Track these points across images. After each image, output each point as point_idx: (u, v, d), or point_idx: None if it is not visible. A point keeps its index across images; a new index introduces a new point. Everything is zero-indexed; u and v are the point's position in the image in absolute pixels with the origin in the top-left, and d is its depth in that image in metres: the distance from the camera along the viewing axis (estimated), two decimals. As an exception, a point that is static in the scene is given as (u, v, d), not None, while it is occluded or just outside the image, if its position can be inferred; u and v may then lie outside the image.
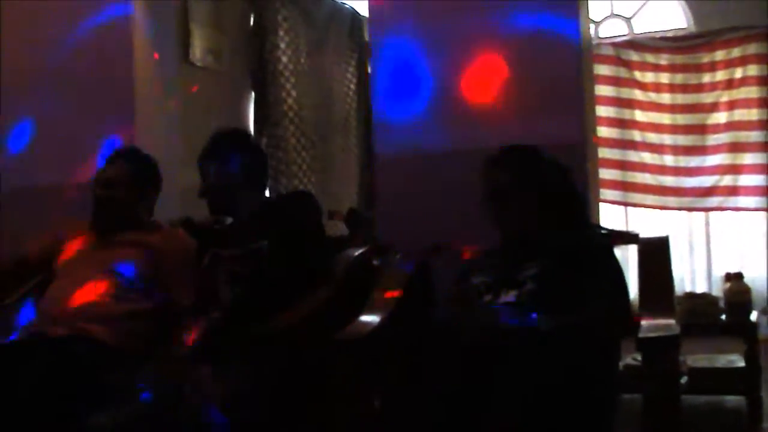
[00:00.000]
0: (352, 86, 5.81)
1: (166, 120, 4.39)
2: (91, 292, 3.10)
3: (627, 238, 3.12)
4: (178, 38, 4.60)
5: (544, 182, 2.72)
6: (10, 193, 4.36)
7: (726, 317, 4.14)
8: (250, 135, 3.39)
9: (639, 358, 2.52)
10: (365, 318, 2.72)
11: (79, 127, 4.26)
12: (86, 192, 3.34)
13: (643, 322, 2.47)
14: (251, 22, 5.19)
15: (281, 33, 5.19)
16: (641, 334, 2.39)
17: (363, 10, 5.81)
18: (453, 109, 3.72)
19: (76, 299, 3.08)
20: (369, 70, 5.66)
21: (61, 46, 4.37)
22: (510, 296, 2.59)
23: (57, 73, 4.36)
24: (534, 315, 2.45)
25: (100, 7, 4.28)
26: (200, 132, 4.59)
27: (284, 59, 5.19)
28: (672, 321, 2.46)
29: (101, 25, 4.27)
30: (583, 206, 2.85)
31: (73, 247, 3.32)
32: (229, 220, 3.10)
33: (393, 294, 2.87)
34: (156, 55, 4.35)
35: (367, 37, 5.71)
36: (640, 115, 6.56)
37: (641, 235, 3.00)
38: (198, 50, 4.70)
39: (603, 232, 2.86)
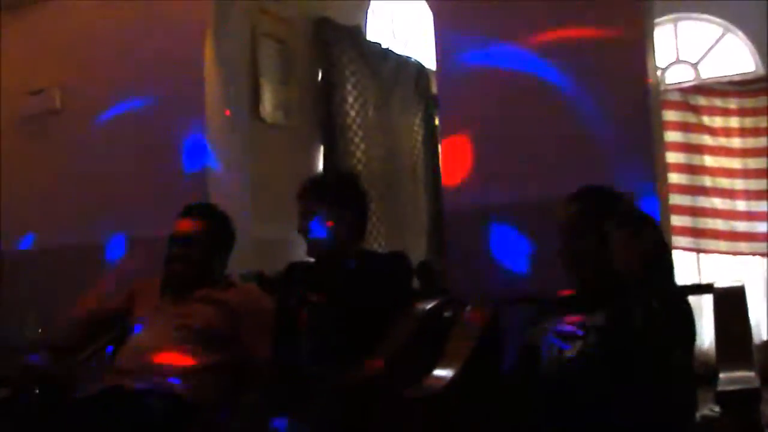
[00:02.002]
0: (419, 138, 5.86)
1: (237, 175, 4.47)
2: (166, 347, 3.15)
3: (701, 287, 3.07)
4: (248, 95, 4.69)
5: (618, 221, 2.67)
6: (87, 248, 4.49)
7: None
8: (359, 180, 3.37)
9: (717, 409, 2.46)
10: (438, 372, 2.71)
11: (153, 183, 4.36)
12: (160, 247, 3.40)
13: (722, 375, 2.41)
14: (319, 78, 5.27)
15: (349, 87, 5.26)
16: (720, 387, 2.33)
17: (428, 63, 5.88)
18: (521, 160, 3.72)
19: (152, 354, 3.13)
20: (436, 122, 5.71)
21: (133, 104, 4.50)
22: (578, 344, 2.58)
23: (132, 130, 4.49)
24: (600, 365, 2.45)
25: (171, 65, 4.40)
26: (270, 186, 4.71)
27: (352, 113, 5.26)
28: (752, 373, 2.39)
29: (174, 83, 4.39)
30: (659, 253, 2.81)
31: (147, 302, 3.38)
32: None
33: (465, 347, 2.86)
34: (227, 112, 4.44)
35: (433, 89, 5.76)
36: (710, 161, 6.46)
37: (716, 285, 2.95)
38: (268, 106, 4.79)
39: (676, 282, 2.81)
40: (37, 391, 3.22)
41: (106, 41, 4.67)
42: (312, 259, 3.29)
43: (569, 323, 2.65)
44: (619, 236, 2.62)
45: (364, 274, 3.06)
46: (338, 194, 3.18)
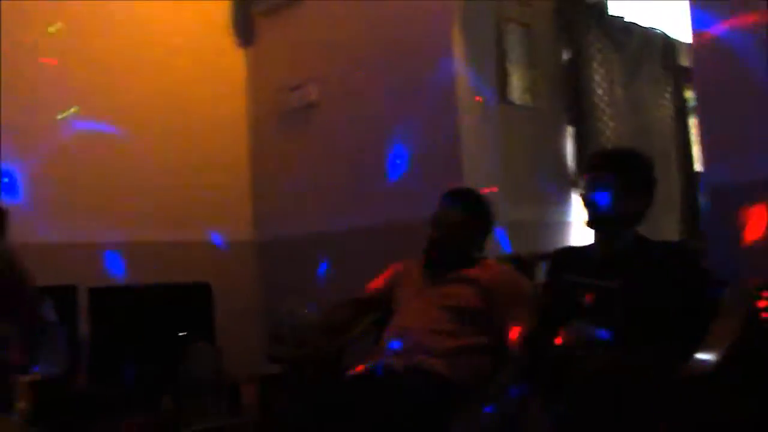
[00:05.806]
0: (669, 113, 5.67)
1: (489, 159, 4.53)
2: (427, 327, 3.24)
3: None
4: (496, 80, 4.73)
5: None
6: (347, 233, 4.71)
7: None
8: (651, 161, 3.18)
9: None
10: (702, 356, 2.65)
11: (410, 169, 4.51)
12: (420, 230, 3.51)
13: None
14: (565, 58, 5.24)
15: (595, 65, 5.19)
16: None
17: (674, 33, 5.71)
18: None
19: (414, 334, 3.23)
20: (686, 96, 5.53)
21: (387, 95, 4.66)
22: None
23: (386, 119, 4.66)
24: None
25: (421, 56, 4.52)
26: (521, 169, 4.75)
27: (599, 91, 5.18)
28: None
29: (425, 73, 4.50)
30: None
31: (409, 283, 3.49)
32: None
33: (730, 330, 2.77)
34: (478, 98, 4.52)
35: (681, 61, 5.59)
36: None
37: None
38: (516, 89, 4.82)
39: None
40: (310, 369, 3.45)
41: (357, 38, 4.86)
42: (580, 244, 3.23)
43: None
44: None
45: (661, 262, 2.92)
46: (634, 168, 3.03)
